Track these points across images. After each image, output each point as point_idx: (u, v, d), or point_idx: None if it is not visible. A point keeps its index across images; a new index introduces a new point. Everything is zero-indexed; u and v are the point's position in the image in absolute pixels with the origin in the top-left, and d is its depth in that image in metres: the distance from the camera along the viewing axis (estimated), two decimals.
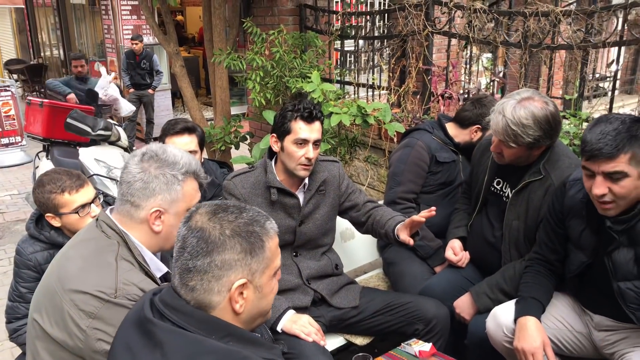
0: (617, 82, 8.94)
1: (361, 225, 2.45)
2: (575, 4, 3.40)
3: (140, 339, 1.17)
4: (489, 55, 4.17)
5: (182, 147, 2.25)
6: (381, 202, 2.61)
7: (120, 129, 4.53)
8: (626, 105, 8.45)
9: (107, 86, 6.57)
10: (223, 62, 3.93)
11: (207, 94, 11.24)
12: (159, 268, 1.60)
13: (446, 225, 2.69)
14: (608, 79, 9.09)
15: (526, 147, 2.13)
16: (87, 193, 2.13)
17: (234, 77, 4.87)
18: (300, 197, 2.33)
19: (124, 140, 4.52)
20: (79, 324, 1.37)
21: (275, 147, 2.28)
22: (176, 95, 9.81)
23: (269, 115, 3.39)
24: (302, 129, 2.20)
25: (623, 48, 2.93)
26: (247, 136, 4.70)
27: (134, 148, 7.70)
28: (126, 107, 6.93)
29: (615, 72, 4.65)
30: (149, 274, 1.53)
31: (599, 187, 1.71)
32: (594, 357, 2.06)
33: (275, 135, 2.28)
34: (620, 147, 1.64)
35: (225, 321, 1.17)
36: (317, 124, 2.24)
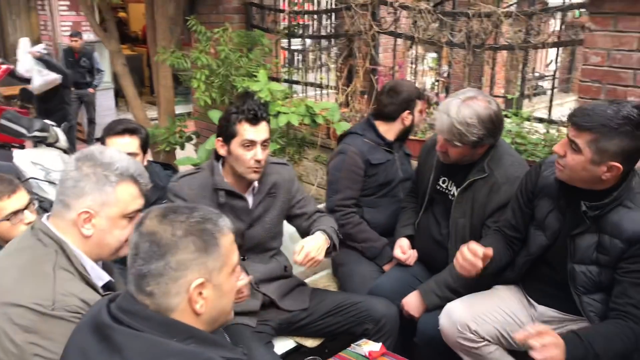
0: (556, 81, 9.33)
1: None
2: (515, 6, 3.49)
3: (97, 343, 1.11)
4: (434, 54, 4.25)
5: (122, 148, 2.16)
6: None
7: (58, 130, 4.33)
8: (564, 104, 8.82)
9: (25, 60, 6.13)
10: (167, 61, 3.82)
11: (152, 93, 10.93)
12: (100, 277, 1.51)
13: (390, 224, 2.71)
14: (547, 78, 9.43)
15: (471, 145, 2.16)
16: (19, 199, 2.01)
17: (178, 75, 4.76)
18: (250, 199, 2.28)
19: (63, 141, 4.32)
20: (14, 338, 1.29)
21: (222, 152, 2.20)
22: (118, 94, 9.51)
23: (215, 115, 3.32)
24: (247, 131, 2.14)
25: (561, 48, 3.03)
26: (193, 136, 4.59)
27: (76, 149, 7.42)
28: (41, 79, 6.27)
29: (554, 71, 4.84)
30: (90, 284, 1.45)
31: (560, 145, 1.79)
32: None
33: (220, 139, 2.21)
34: (587, 126, 1.68)
35: (186, 323, 1.14)
36: (263, 125, 2.18)
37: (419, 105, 2.70)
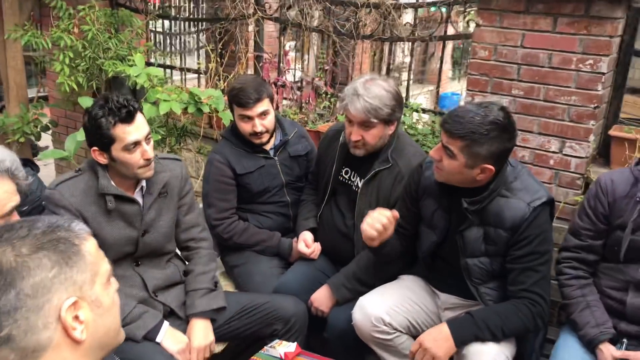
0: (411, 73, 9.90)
1: (179, 245, 2.26)
2: None
3: None
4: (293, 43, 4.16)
5: None
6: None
7: None
8: (421, 94, 9.41)
9: None
10: (21, 39, 3.32)
11: None
12: None
13: (280, 226, 2.62)
14: (404, 69, 9.97)
15: (384, 122, 2.17)
16: None
17: (30, 57, 4.19)
18: (140, 201, 2.04)
19: None
20: None
21: (103, 160, 1.92)
22: None
23: (86, 102, 2.96)
24: (127, 133, 1.87)
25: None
26: (50, 125, 4.09)
27: None
28: None
29: (409, 63, 5.07)
30: None
31: (436, 151, 1.85)
32: None
33: (96, 148, 1.91)
34: (459, 134, 1.74)
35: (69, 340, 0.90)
36: (139, 118, 1.91)
37: (237, 110, 2.45)
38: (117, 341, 1.03)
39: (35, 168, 2.65)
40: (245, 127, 2.45)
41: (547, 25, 2.32)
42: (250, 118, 2.42)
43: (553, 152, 2.43)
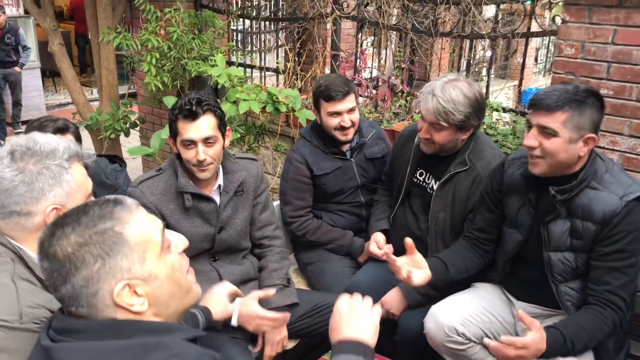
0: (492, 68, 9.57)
1: (252, 243, 2.31)
2: None
3: None
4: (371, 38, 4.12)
5: None
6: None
7: None
8: (502, 91, 9.07)
9: None
10: (114, 42, 3.53)
11: (81, 72, 10.35)
12: None
13: (353, 226, 2.63)
14: (484, 65, 9.69)
15: (457, 127, 2.11)
16: None
17: (121, 57, 4.44)
18: (217, 200, 2.12)
19: None
20: None
21: (175, 149, 2.06)
22: (45, 74, 8.88)
23: (170, 101, 3.09)
24: (185, 129, 1.96)
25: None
26: (138, 122, 4.32)
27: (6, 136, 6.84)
28: None
29: (490, 58, 4.91)
30: None
31: (531, 138, 1.78)
32: None
33: (170, 137, 2.06)
34: (559, 105, 1.70)
35: (128, 319, 1.02)
36: (203, 120, 1.97)
37: (325, 106, 2.44)
38: (192, 298, 1.13)
39: (123, 164, 2.81)
40: (332, 122, 2.45)
41: None
42: (339, 113, 2.43)
43: None
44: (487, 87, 3.15)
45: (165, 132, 3.06)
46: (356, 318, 1.32)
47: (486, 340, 1.72)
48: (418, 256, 2.00)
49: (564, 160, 1.77)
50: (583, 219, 1.79)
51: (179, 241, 1.14)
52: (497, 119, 2.96)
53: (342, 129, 2.45)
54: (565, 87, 1.74)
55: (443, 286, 2.17)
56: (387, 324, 2.27)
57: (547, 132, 1.74)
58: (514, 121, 2.90)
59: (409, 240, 1.96)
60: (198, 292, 1.16)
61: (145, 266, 1.02)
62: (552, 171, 1.81)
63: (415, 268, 1.97)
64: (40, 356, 1.02)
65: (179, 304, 1.10)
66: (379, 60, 3.58)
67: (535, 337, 1.68)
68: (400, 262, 1.95)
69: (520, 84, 3.23)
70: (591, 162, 1.79)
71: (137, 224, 1.03)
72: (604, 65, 2.31)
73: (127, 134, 4.16)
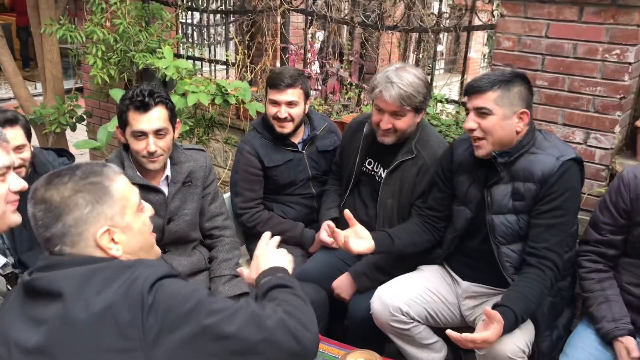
0: (443, 63, 9.79)
1: (202, 233, 2.33)
2: None
3: (29, 304, 1.12)
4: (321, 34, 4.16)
5: None
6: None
7: None
8: (447, 84, 9.29)
9: None
10: (57, 33, 3.43)
11: (24, 67, 9.96)
12: None
13: (304, 217, 2.67)
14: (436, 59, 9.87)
15: (415, 110, 2.20)
16: None
17: (65, 50, 4.32)
18: (165, 190, 2.12)
19: None
20: None
21: (123, 140, 2.06)
22: None
23: (117, 94, 3.05)
24: (136, 120, 1.97)
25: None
26: (85, 116, 4.22)
27: None
28: None
29: (433, 53, 5.02)
30: None
31: (469, 122, 1.91)
32: (461, 325, 2.20)
33: (119, 127, 2.07)
34: (489, 85, 1.85)
35: (107, 257, 1.18)
36: (155, 112, 1.99)
37: (269, 93, 2.49)
38: (151, 256, 1.31)
39: (71, 158, 2.76)
40: (270, 110, 2.48)
41: (573, 14, 2.29)
42: (277, 103, 2.45)
43: (577, 143, 2.41)
44: (432, 79, 3.23)
45: (112, 125, 3.01)
46: (268, 254, 1.51)
47: (448, 331, 1.76)
48: (360, 228, 2.09)
49: (503, 137, 1.89)
50: (525, 180, 1.91)
51: (148, 207, 1.33)
52: (440, 110, 3.06)
53: (278, 119, 2.48)
54: (492, 73, 1.94)
55: (390, 269, 2.25)
56: (338, 309, 2.34)
57: (482, 112, 1.87)
58: (457, 112, 3.01)
59: (347, 212, 2.07)
60: (158, 252, 1.36)
61: (124, 218, 1.21)
62: (496, 150, 1.92)
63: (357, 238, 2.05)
64: (20, 295, 1.15)
65: (145, 257, 1.26)
66: (327, 54, 3.63)
67: (496, 329, 1.74)
68: (341, 233, 2.03)
69: (462, 76, 3.35)
70: (530, 132, 1.93)
71: (121, 183, 1.23)
72: (539, 57, 2.43)
73: (73, 129, 4.05)
